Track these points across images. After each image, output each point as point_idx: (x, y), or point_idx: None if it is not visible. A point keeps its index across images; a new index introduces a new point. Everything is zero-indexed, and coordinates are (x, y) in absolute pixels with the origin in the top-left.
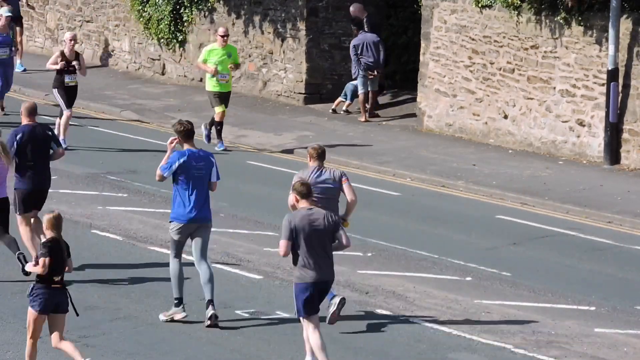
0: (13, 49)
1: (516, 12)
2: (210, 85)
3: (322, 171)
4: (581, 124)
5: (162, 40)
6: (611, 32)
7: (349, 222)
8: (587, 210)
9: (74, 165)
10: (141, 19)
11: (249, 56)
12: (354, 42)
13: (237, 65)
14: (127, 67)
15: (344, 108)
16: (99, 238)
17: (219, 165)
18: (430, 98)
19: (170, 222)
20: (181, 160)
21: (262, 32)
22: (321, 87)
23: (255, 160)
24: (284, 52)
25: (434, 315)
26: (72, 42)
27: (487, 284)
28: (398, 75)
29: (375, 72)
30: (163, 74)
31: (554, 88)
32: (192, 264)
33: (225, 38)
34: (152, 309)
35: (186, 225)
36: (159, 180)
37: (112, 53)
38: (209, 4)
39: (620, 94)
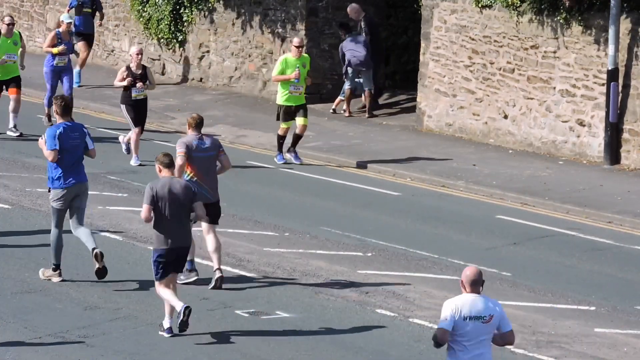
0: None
1: (516, 12)
2: (282, 98)
3: (202, 139)
4: (581, 124)
5: (162, 40)
6: (611, 32)
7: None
8: (587, 210)
9: None
10: (141, 19)
11: (249, 56)
12: (342, 44)
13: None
14: None
15: (344, 107)
16: (99, 238)
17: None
18: (430, 98)
19: (50, 191)
20: (57, 132)
21: (262, 32)
22: (321, 87)
23: (255, 160)
24: (284, 52)
25: (434, 315)
26: (139, 56)
27: (487, 284)
28: (398, 75)
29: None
30: (163, 74)
31: (554, 88)
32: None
33: (300, 49)
34: (152, 309)
35: (68, 190)
36: (51, 160)
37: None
38: (209, 4)
39: (620, 94)
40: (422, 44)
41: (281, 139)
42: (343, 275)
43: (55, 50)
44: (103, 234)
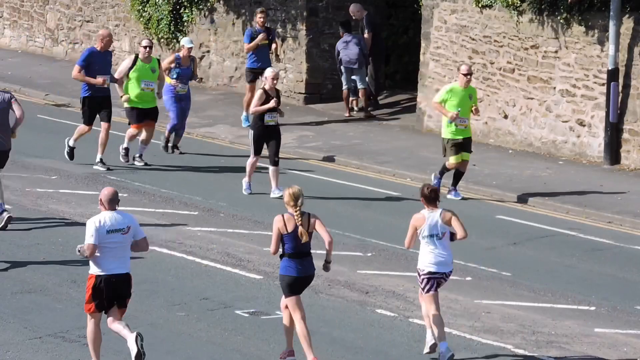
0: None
1: (516, 12)
2: (448, 131)
3: None
4: (581, 124)
5: (162, 40)
6: (611, 32)
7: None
8: (587, 210)
9: (74, 165)
10: (141, 19)
11: None
12: (338, 44)
13: (477, 110)
14: None
15: (355, 108)
16: None
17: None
18: (430, 98)
19: None
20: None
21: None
22: (321, 87)
23: None
24: (284, 52)
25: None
26: (275, 80)
27: (487, 284)
28: (398, 75)
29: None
30: None
31: (554, 88)
32: (194, 264)
33: (468, 77)
34: (152, 309)
35: None
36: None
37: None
38: (209, 4)
39: (621, 94)
40: (423, 44)
41: (447, 170)
42: (343, 275)
43: (171, 81)
44: None
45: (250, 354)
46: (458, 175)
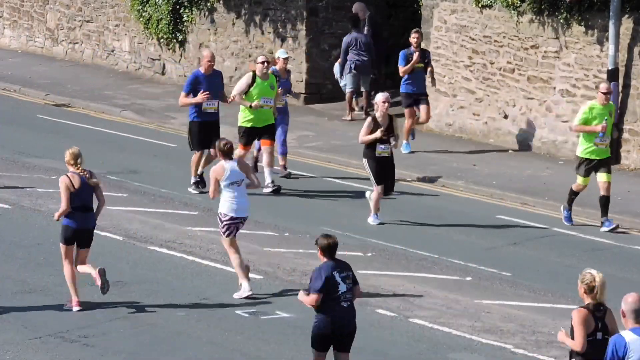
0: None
1: (516, 12)
2: (585, 150)
3: None
4: None
5: (162, 40)
6: (611, 32)
7: None
8: (587, 210)
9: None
10: (141, 19)
11: (249, 56)
12: (345, 38)
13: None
14: (127, 67)
15: (356, 108)
16: (99, 238)
17: None
18: (430, 98)
19: None
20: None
21: (262, 32)
22: (321, 87)
23: None
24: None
25: (434, 315)
26: (386, 104)
27: (487, 284)
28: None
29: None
30: (163, 74)
31: (554, 88)
32: (194, 264)
33: (607, 95)
34: (152, 309)
35: None
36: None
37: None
38: (209, 4)
39: (621, 94)
40: (423, 44)
41: (574, 194)
42: None
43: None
44: (103, 234)
45: (250, 354)
46: (604, 202)
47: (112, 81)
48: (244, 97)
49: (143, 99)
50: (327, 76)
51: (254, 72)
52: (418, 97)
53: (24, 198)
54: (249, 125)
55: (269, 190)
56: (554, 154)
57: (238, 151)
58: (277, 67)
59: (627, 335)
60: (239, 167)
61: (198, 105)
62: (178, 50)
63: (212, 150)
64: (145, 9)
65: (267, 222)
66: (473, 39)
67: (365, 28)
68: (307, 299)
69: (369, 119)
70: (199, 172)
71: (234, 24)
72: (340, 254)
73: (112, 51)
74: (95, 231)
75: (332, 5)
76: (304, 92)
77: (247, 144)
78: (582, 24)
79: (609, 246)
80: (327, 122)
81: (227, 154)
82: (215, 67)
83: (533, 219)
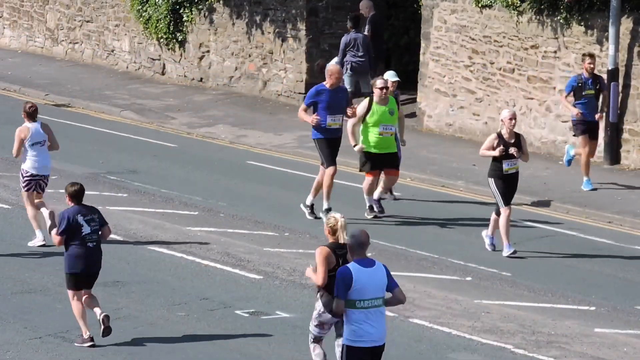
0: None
1: (516, 12)
2: None
3: None
4: None
5: (161, 40)
6: (611, 32)
7: None
8: (587, 210)
9: (74, 165)
10: (141, 19)
11: (249, 56)
12: (344, 38)
13: None
14: (127, 67)
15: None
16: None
17: (220, 163)
18: (430, 98)
19: None
20: None
21: (262, 32)
22: None
23: (255, 160)
24: (284, 52)
25: (434, 315)
26: (513, 121)
27: (487, 284)
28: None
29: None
30: (163, 74)
31: (554, 88)
32: (194, 264)
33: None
34: (152, 309)
35: None
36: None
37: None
38: (209, 4)
39: (621, 94)
40: (422, 44)
41: None
42: None
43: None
44: None
45: (250, 354)
46: None
47: (112, 81)
48: (360, 124)
49: (143, 99)
50: None
51: (371, 97)
52: (591, 127)
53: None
54: (369, 150)
55: (369, 215)
56: (553, 154)
57: (365, 181)
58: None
59: (352, 266)
60: (42, 128)
61: (323, 122)
62: (178, 50)
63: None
64: (145, 9)
65: (267, 222)
66: (473, 39)
67: (367, 27)
68: (54, 240)
69: (494, 134)
70: (325, 192)
71: (234, 24)
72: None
73: (112, 51)
74: None
75: (332, 5)
76: (303, 92)
77: (371, 170)
78: (582, 24)
79: (609, 246)
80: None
81: (31, 115)
82: (215, 67)
83: (533, 219)
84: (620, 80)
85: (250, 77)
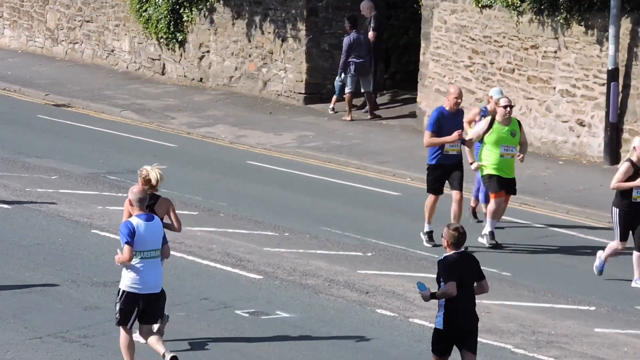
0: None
1: (516, 12)
2: None
3: None
4: (581, 124)
5: (162, 40)
6: (611, 32)
7: None
8: (587, 210)
9: (74, 165)
10: (141, 19)
11: (249, 56)
12: (346, 39)
13: None
14: (127, 67)
15: (345, 108)
16: (99, 238)
17: (220, 163)
18: (430, 98)
19: None
20: None
21: (262, 32)
22: (321, 87)
23: (255, 160)
24: (284, 52)
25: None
26: None
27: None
28: (399, 75)
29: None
30: (163, 74)
31: (554, 88)
32: (194, 264)
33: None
34: None
35: None
36: None
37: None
38: (209, 4)
39: (620, 94)
40: (422, 44)
41: None
42: (343, 275)
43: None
44: (103, 233)
45: (250, 354)
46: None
47: (112, 81)
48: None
49: (143, 99)
50: (327, 76)
51: (493, 116)
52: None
53: (24, 198)
54: (494, 172)
55: (484, 241)
56: (554, 154)
57: (491, 203)
58: (489, 107)
59: (134, 219)
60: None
61: (441, 147)
62: (178, 50)
63: (454, 193)
64: (145, 9)
65: (267, 222)
66: (473, 39)
67: (371, 26)
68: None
69: (627, 164)
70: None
71: (234, 24)
72: (340, 254)
73: (112, 51)
74: (95, 231)
75: (332, 5)
76: (303, 92)
77: (497, 190)
78: (582, 24)
79: None
80: (327, 122)
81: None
82: (215, 67)
83: (533, 219)
84: (620, 80)
85: (250, 77)
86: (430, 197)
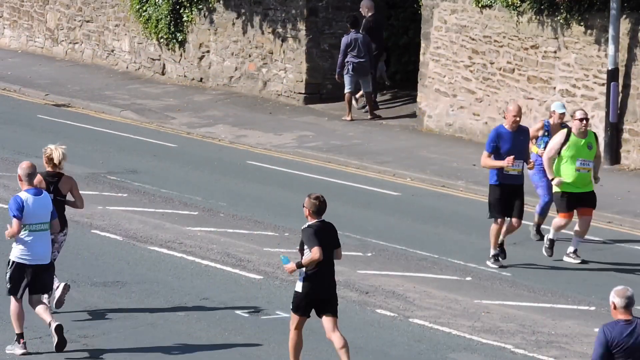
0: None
1: (516, 12)
2: None
3: None
4: None
5: (162, 40)
6: (611, 32)
7: None
8: None
9: (74, 165)
10: (141, 19)
11: (249, 56)
12: (344, 39)
13: None
14: (127, 67)
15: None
16: (99, 238)
17: (220, 163)
18: (430, 98)
19: None
20: None
21: (262, 32)
22: (321, 87)
23: (255, 160)
24: (284, 52)
25: (434, 315)
26: None
27: (487, 284)
28: (398, 75)
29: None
30: (163, 74)
31: (554, 88)
32: (194, 264)
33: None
34: (152, 309)
35: None
36: None
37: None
38: (209, 4)
39: (620, 94)
40: (422, 44)
41: None
42: (343, 275)
43: (538, 150)
44: (103, 234)
45: (250, 354)
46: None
47: (112, 81)
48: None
49: (143, 99)
50: (327, 76)
51: (569, 129)
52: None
53: None
54: (563, 189)
55: (573, 260)
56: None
57: (557, 220)
58: (551, 121)
59: (23, 194)
60: None
61: (502, 167)
62: (178, 50)
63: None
64: (145, 9)
65: (267, 222)
66: (473, 39)
67: (373, 20)
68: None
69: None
70: (499, 241)
71: (234, 24)
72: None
73: (112, 51)
74: (95, 231)
75: (332, 5)
76: (303, 92)
77: (566, 211)
78: (582, 24)
79: (609, 246)
80: (327, 122)
81: None
82: (215, 67)
83: (533, 219)
84: (620, 80)
85: (250, 77)
86: (494, 226)
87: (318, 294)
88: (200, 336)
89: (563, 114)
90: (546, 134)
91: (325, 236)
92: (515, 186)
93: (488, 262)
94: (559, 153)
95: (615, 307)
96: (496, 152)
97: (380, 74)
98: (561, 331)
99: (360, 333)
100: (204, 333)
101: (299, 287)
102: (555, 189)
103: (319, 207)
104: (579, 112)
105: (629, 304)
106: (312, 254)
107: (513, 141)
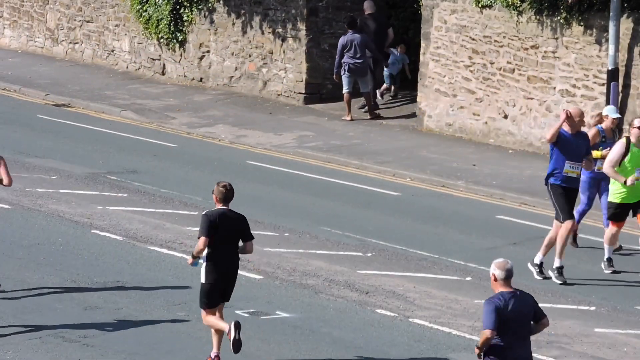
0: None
1: (516, 12)
2: None
3: None
4: None
5: (162, 40)
6: (611, 32)
7: None
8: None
9: (74, 165)
10: (141, 19)
11: (249, 56)
12: (341, 40)
13: None
14: (127, 67)
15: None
16: (99, 238)
17: (220, 163)
18: (430, 98)
19: None
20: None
21: (262, 32)
22: (321, 87)
23: (255, 160)
24: (284, 52)
25: (434, 315)
26: None
27: (487, 284)
28: (398, 75)
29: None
30: (163, 74)
31: (554, 88)
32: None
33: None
34: (152, 309)
35: None
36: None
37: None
38: (209, 4)
39: (620, 94)
40: (422, 44)
41: None
42: (343, 275)
43: (599, 154)
44: (103, 233)
45: (251, 354)
46: None
47: (112, 81)
48: (616, 169)
49: (143, 99)
50: (327, 76)
51: (628, 138)
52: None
53: (23, 198)
54: (618, 200)
55: (607, 270)
56: None
57: (609, 229)
58: (604, 125)
59: None
60: None
61: (560, 168)
62: (178, 50)
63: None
64: (145, 9)
65: (267, 222)
66: (473, 39)
67: (371, 20)
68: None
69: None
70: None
71: (234, 24)
72: (340, 254)
73: (112, 51)
74: (95, 231)
75: (332, 5)
76: (303, 92)
77: (618, 220)
78: (582, 24)
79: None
80: (327, 122)
81: None
82: (215, 67)
83: (533, 219)
84: (620, 80)
85: (250, 77)
86: (565, 226)
87: (217, 283)
88: (200, 336)
89: (616, 119)
90: (603, 139)
91: (224, 225)
92: (573, 189)
93: (551, 272)
94: (619, 163)
95: (495, 279)
96: (556, 154)
97: (402, 67)
98: (561, 331)
99: (360, 333)
100: (204, 333)
101: (202, 277)
102: (611, 198)
103: (226, 194)
104: (637, 120)
105: (508, 276)
106: (198, 244)
107: (575, 144)
